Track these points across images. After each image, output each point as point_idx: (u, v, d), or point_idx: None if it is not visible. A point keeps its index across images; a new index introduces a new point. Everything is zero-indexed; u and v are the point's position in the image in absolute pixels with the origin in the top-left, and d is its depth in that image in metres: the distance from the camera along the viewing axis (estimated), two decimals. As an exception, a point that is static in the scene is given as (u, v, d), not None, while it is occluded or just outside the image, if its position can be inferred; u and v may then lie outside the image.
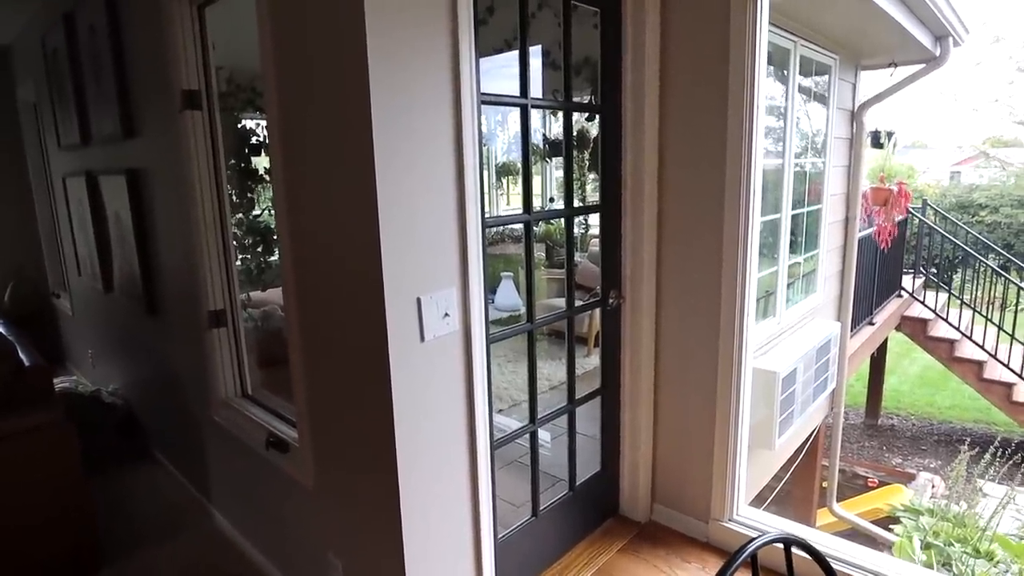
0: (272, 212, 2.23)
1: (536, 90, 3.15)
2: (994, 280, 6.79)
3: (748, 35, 2.03)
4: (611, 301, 2.39)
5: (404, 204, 1.51)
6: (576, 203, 3.95)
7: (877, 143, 4.59)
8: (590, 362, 3.98)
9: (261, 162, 3.30)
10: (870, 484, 6.85)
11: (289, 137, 1.72)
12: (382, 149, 1.44)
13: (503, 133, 6.88)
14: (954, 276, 7.43)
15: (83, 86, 3.22)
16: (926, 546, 4.12)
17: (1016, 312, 6.43)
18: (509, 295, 5.91)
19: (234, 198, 2.86)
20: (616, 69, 2.22)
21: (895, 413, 8.62)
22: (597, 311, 2.43)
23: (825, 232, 4.21)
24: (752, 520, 2.39)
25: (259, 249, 3.47)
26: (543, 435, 3.07)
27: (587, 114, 2.72)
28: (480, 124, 1.74)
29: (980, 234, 10.12)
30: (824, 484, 5.39)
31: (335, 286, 1.69)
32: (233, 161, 2.87)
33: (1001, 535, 4.33)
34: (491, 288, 7.15)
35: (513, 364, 4.20)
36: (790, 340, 3.70)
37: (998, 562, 4.06)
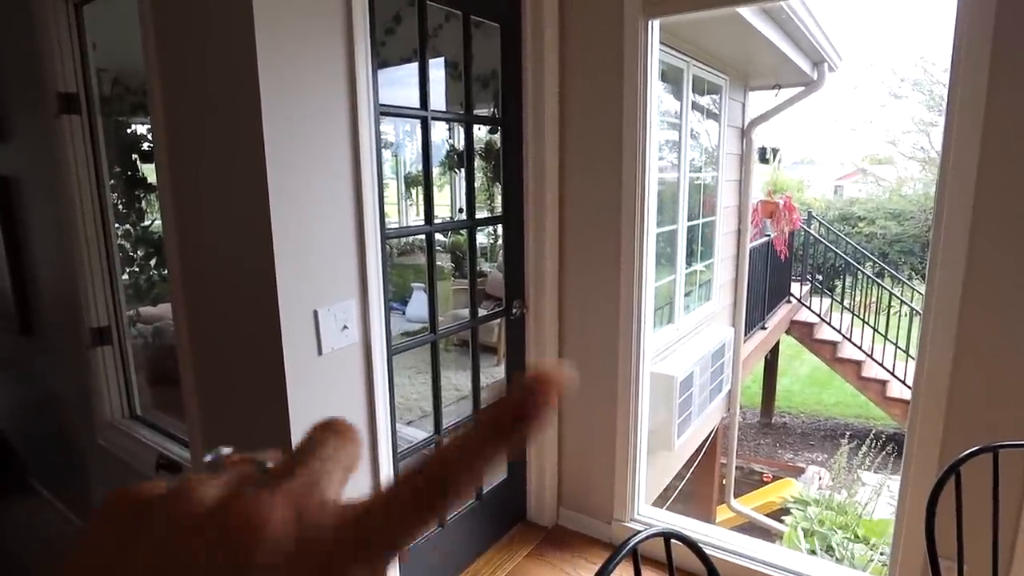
0: (163, 222, 2.12)
1: (439, 102, 3.18)
2: (871, 286, 7.48)
3: (641, 52, 2.15)
4: (514, 311, 2.45)
5: (299, 215, 1.49)
6: (485, 214, 4.02)
7: (763, 159, 4.97)
8: (499, 371, 4.03)
9: (152, 170, 3.12)
10: (765, 479, 7.31)
11: (176, 144, 1.66)
12: (275, 159, 1.41)
13: (411, 143, 6.86)
14: (837, 283, 8.09)
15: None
16: (809, 534, 4.46)
17: (889, 315, 7.09)
18: (420, 306, 5.89)
19: (121, 208, 2.69)
20: (517, 83, 2.29)
21: (787, 411, 9.26)
22: (504, 321, 2.48)
23: (719, 242, 4.51)
24: (652, 519, 2.50)
25: (151, 262, 3.28)
26: (453, 445, 3.08)
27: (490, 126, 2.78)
28: (378, 135, 1.74)
29: (859, 244, 11.08)
30: (723, 481, 5.71)
31: (228, 299, 1.63)
32: (119, 169, 2.70)
33: (868, 520, 4.76)
34: (402, 299, 7.08)
35: (423, 375, 4.17)
36: (688, 345, 3.91)
37: (874, 544, 4.45)
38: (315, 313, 1.55)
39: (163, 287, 3.33)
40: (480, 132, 4.10)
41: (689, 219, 3.93)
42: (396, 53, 2.91)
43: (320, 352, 1.57)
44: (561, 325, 2.51)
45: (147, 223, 3.22)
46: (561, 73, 2.31)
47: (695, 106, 3.97)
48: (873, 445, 5.72)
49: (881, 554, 4.30)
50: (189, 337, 1.78)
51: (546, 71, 2.26)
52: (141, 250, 3.24)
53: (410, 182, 6.65)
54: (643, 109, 2.20)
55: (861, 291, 7.57)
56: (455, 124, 4.86)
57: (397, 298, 7.21)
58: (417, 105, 1.94)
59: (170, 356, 1.90)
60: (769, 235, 5.58)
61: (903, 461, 2.06)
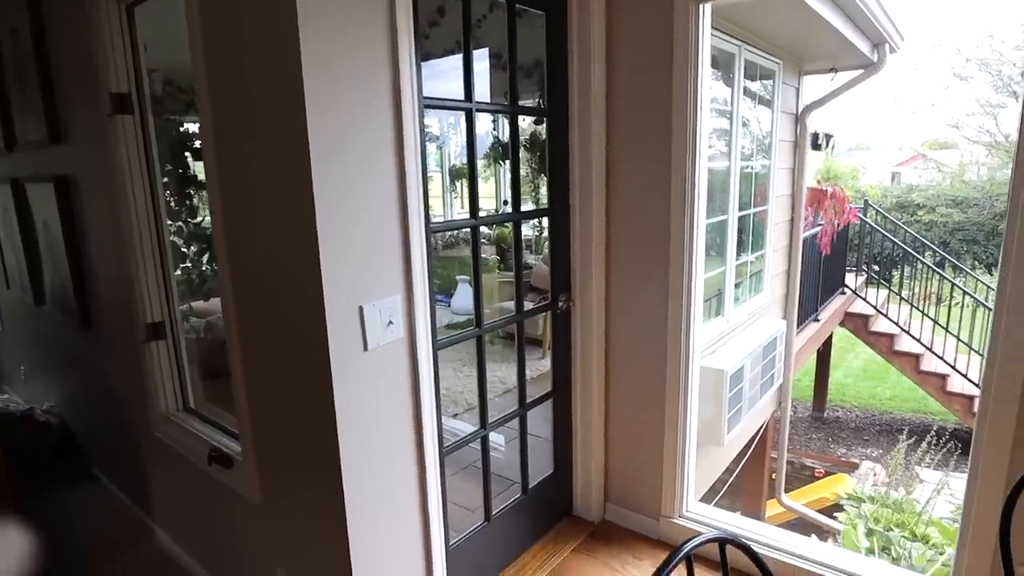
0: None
1: (483, 93, 3.14)
2: (931, 276, 7.13)
3: (691, 39, 2.07)
4: (561, 304, 2.40)
5: (344, 211, 1.48)
6: (529, 206, 3.97)
7: (816, 145, 4.76)
8: (544, 364, 3.99)
9: (203, 167, 3.19)
10: (816, 475, 7.08)
11: (223, 141, 1.67)
12: (319, 154, 1.40)
13: (456, 136, 6.85)
14: (894, 273, 7.74)
15: (6, 90, 3.05)
16: (868, 532, 4.28)
17: (951, 307, 6.75)
18: (465, 298, 5.90)
19: (173, 205, 2.76)
20: (563, 72, 2.23)
21: (840, 405, 8.94)
22: (550, 314, 2.44)
23: (771, 232, 4.34)
24: (701, 516, 2.43)
25: (203, 257, 3.36)
26: (497, 439, 3.06)
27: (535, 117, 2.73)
28: (422, 129, 1.72)
29: (918, 233, 10.59)
30: (773, 476, 5.55)
31: (275, 295, 1.64)
32: (170, 167, 2.76)
33: (937, 519, 4.54)
34: (447, 292, 7.11)
35: (468, 368, 4.18)
36: (738, 338, 3.79)
37: (933, 544, 4.25)
38: (360, 309, 1.54)
39: (215, 282, 3.40)
40: (524, 123, 4.06)
41: (740, 209, 3.80)
42: (440, 46, 2.89)
43: (366, 348, 1.56)
44: (608, 318, 2.45)
45: (199, 219, 3.30)
46: (608, 61, 2.24)
47: (747, 92, 3.82)
48: (933, 441, 5.46)
49: (940, 553, 4.10)
50: (238, 332, 1.80)
51: (593, 59, 2.20)
52: (194, 246, 3.32)
53: (454, 175, 6.66)
54: (693, 97, 2.12)
55: (920, 282, 7.23)
56: (499, 116, 4.83)
57: (442, 290, 7.26)
58: (461, 97, 1.91)
59: (221, 350, 1.93)
60: (822, 225, 5.35)
61: (970, 460, 1.93)
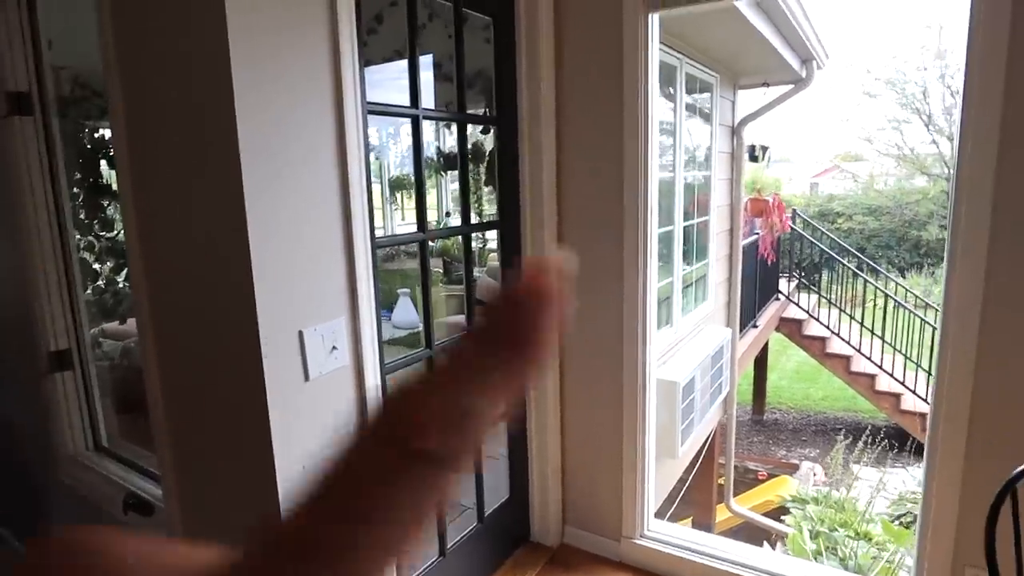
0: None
1: (428, 102, 3.01)
2: (853, 280, 7.51)
3: (641, 46, 2.02)
4: (514, 320, 2.30)
5: (281, 225, 1.32)
6: (473, 218, 3.86)
7: (753, 157, 4.88)
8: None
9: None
10: (760, 477, 7.25)
11: (138, 147, 1.47)
12: (252, 161, 1.25)
13: (396, 146, 6.66)
14: (820, 278, 8.08)
15: None
16: (815, 534, 4.37)
17: (874, 308, 7.10)
18: (407, 312, 5.71)
19: (83, 217, 2.49)
20: (511, 79, 2.14)
21: (777, 408, 9.24)
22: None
23: (714, 242, 4.39)
24: (662, 535, 2.36)
25: (119, 275, 3.07)
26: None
27: (482, 127, 2.63)
28: (366, 136, 1.58)
29: (839, 239, 11.14)
30: (720, 482, 5.62)
31: (201, 317, 1.46)
32: (80, 176, 2.49)
33: (881, 517, 4.70)
34: (388, 306, 6.88)
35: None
36: (687, 348, 3.79)
37: (876, 543, 4.38)
38: (300, 335, 1.38)
39: (132, 302, 3.11)
40: (467, 133, 3.92)
41: (684, 219, 3.82)
42: (378, 53, 2.75)
43: (307, 378, 1.40)
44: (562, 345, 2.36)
45: (114, 233, 3.01)
46: (558, 69, 2.17)
47: (687, 105, 3.86)
48: (869, 440, 5.68)
49: (883, 550, 4.22)
50: (157, 359, 1.59)
51: (542, 66, 2.12)
52: (109, 262, 3.02)
53: (394, 186, 6.47)
54: (644, 106, 2.07)
55: (841, 285, 7.58)
56: (441, 126, 4.69)
57: (384, 305, 7.03)
58: (407, 103, 1.78)
59: (139, 379, 1.72)
60: (758, 233, 5.49)
61: (924, 469, 1.94)
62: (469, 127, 2.14)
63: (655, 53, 2.09)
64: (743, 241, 5.11)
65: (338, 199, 1.45)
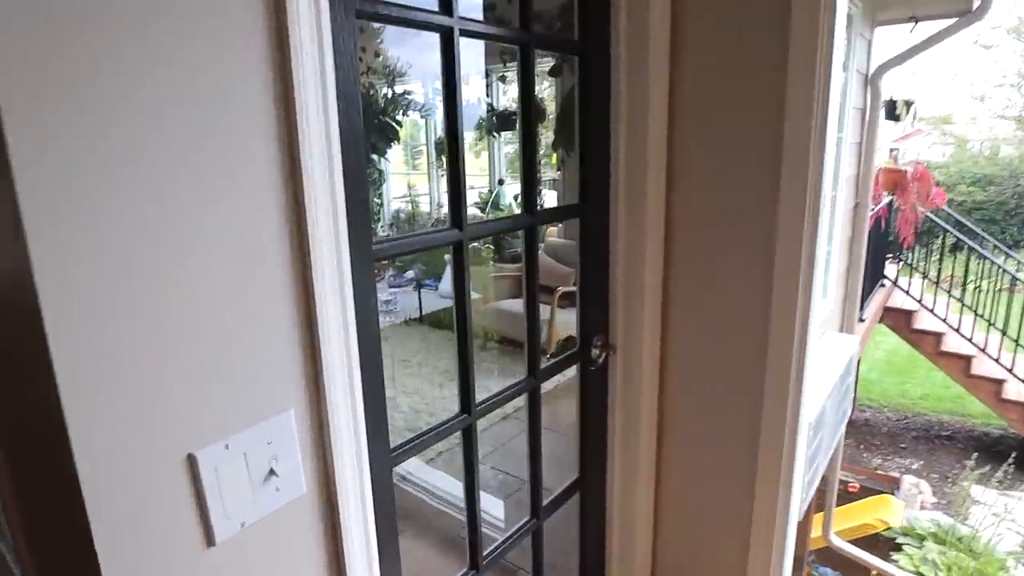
0: None
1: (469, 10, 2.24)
2: (952, 258, 6.34)
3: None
4: (595, 352, 1.56)
5: (130, 255, 0.61)
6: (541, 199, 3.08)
7: (893, 114, 3.87)
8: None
9: None
10: (851, 490, 6.32)
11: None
12: (38, 139, 0.54)
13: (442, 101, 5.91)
14: (929, 258, 6.88)
15: None
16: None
17: (976, 292, 6.03)
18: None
19: None
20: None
21: (868, 405, 8.15)
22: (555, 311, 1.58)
23: (840, 222, 3.44)
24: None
25: None
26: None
27: (554, 61, 1.82)
28: (352, 64, 0.85)
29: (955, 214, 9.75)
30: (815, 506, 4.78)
31: None
32: None
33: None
34: (436, 275, 6.21)
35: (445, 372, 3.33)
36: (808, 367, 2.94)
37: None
38: (191, 461, 0.68)
39: None
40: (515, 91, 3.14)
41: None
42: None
43: (211, 541, 0.71)
44: (663, 372, 1.61)
45: None
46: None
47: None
48: (999, 457, 4.70)
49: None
50: None
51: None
52: None
53: (440, 149, 5.73)
54: (828, 23, 1.25)
55: (939, 265, 6.39)
56: (494, 78, 3.88)
57: (430, 275, 6.36)
58: (434, 6, 1.03)
59: None
60: (901, 212, 4.45)
61: None
62: (537, 60, 1.36)
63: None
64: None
65: (278, 196, 0.73)
